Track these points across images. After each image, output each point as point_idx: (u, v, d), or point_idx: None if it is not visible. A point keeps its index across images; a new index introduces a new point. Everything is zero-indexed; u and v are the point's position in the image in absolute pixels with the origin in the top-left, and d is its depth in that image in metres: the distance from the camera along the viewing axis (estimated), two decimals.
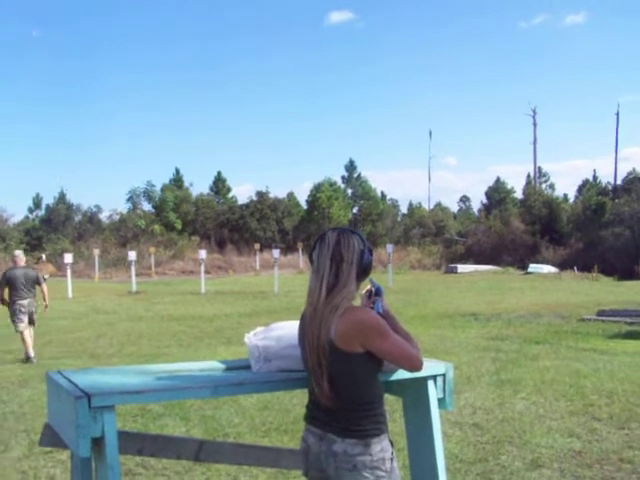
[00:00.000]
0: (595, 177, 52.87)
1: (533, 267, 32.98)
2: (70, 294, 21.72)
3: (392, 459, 2.47)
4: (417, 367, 2.52)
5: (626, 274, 29.70)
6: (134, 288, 23.50)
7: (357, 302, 2.59)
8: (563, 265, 34.24)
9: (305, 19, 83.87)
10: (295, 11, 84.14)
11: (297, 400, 6.83)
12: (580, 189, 52.90)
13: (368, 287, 2.74)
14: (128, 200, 49.62)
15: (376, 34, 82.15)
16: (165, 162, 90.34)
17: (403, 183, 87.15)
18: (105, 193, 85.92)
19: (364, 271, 2.50)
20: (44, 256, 38.60)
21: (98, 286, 27.03)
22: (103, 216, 51.89)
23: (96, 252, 30.91)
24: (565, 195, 54.60)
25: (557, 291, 21.56)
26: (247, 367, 2.91)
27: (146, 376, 2.74)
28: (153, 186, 49.93)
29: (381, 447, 2.44)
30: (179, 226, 47.25)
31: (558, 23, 79.76)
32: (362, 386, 2.45)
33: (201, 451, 3.30)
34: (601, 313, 14.26)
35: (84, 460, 2.57)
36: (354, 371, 2.42)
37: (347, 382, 2.43)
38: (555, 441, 5.64)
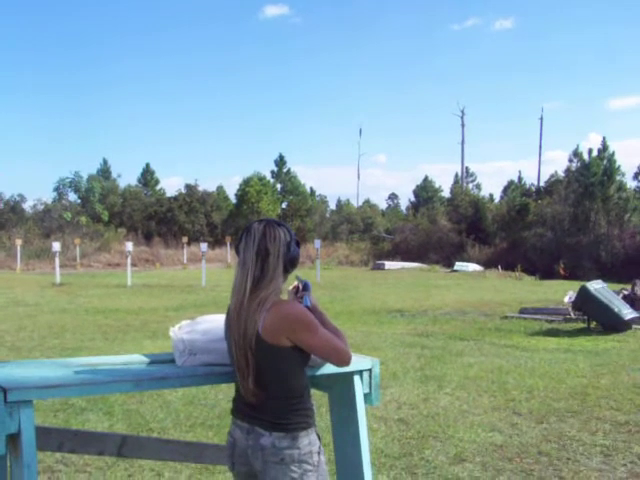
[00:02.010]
0: (520, 178, 54.16)
1: (459, 265, 33.55)
2: None
3: (319, 453, 2.47)
4: (346, 361, 2.52)
5: (547, 274, 30.54)
6: (58, 280, 22.87)
7: (284, 297, 2.57)
8: (488, 264, 34.89)
9: (239, 12, 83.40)
10: (228, 4, 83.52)
11: (223, 395, 6.78)
12: (505, 190, 54.02)
13: (295, 284, 2.72)
14: (55, 190, 48.34)
15: (310, 30, 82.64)
16: (93, 152, 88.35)
17: (332, 179, 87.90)
18: (29, 182, 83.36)
19: (291, 263, 2.48)
20: None
21: (20, 278, 26.22)
22: (27, 206, 50.28)
23: (18, 242, 29.94)
24: (491, 195, 55.75)
25: (482, 289, 21.99)
26: (172, 361, 2.86)
27: (67, 370, 2.66)
28: (80, 177, 48.73)
29: (309, 440, 2.44)
30: (105, 217, 46.20)
31: (488, 27, 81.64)
32: (289, 380, 2.43)
33: (124, 446, 3.23)
34: (523, 311, 14.62)
35: None
36: (281, 365, 2.40)
37: (274, 376, 2.41)
38: (478, 435, 5.75)
